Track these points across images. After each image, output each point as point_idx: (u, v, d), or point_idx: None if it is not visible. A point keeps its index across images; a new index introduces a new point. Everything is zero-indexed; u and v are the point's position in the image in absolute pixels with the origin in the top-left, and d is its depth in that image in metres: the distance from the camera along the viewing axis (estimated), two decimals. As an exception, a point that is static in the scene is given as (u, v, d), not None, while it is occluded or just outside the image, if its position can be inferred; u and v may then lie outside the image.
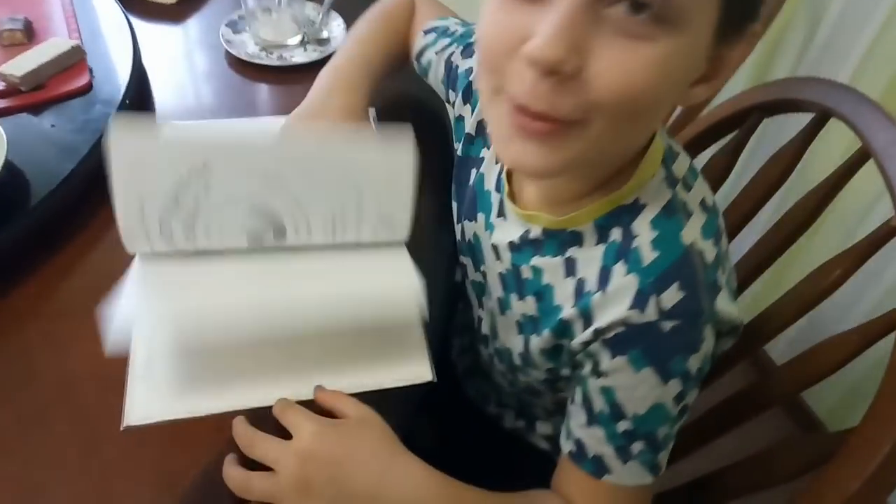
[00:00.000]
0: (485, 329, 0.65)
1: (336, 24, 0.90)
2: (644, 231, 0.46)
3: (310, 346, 0.55)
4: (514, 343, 0.57)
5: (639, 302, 0.44)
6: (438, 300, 0.66)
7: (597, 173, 0.48)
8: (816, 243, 1.26)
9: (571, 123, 0.39)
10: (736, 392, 0.64)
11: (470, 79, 0.63)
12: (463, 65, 0.65)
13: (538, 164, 0.42)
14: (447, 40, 0.68)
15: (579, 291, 0.48)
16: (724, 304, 0.46)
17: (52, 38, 0.73)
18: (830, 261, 0.59)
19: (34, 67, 0.68)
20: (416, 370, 0.54)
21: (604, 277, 0.46)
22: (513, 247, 0.54)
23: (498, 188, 0.57)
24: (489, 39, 0.41)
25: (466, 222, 0.62)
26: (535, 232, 0.52)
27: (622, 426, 0.47)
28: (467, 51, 0.65)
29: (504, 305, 0.57)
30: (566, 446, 0.51)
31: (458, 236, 0.65)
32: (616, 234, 0.47)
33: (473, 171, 0.61)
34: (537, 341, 0.53)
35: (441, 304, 0.68)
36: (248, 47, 0.85)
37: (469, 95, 0.63)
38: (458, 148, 0.64)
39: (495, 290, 0.58)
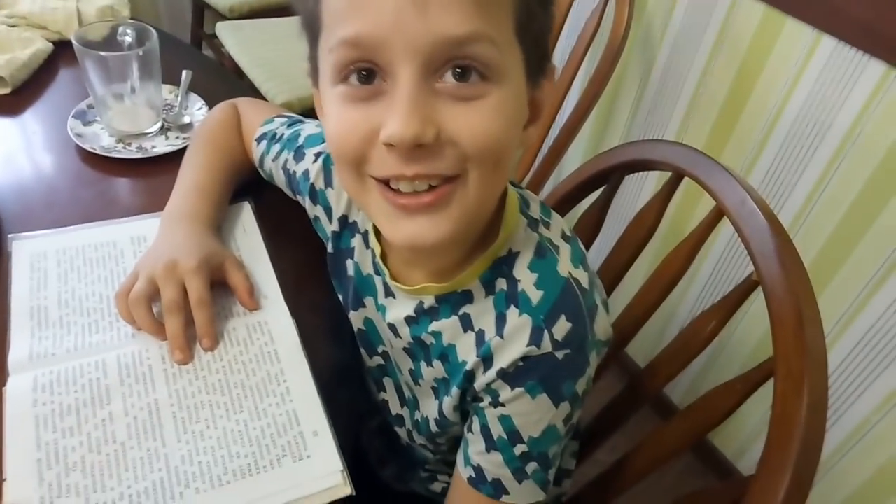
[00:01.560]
0: (395, 408, 0.65)
1: (197, 107, 0.86)
2: (525, 276, 0.50)
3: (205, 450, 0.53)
4: (431, 409, 0.59)
5: (535, 338, 0.48)
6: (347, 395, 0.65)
7: (472, 234, 0.51)
8: (690, 295, 1.38)
9: (452, 180, 0.42)
10: (634, 446, 0.67)
11: (311, 181, 0.63)
12: (298, 169, 0.65)
13: (433, 236, 0.44)
14: (278, 146, 0.69)
15: (480, 341, 0.52)
16: (602, 322, 0.52)
17: None
18: (704, 314, 0.64)
19: None
20: (331, 484, 0.52)
21: (500, 323, 0.50)
22: (410, 320, 0.56)
23: (377, 272, 0.58)
24: (342, 139, 0.43)
25: (353, 312, 0.63)
26: (428, 301, 0.54)
27: (519, 449, 0.51)
28: (298, 154, 0.66)
29: (416, 375, 0.59)
30: (465, 472, 0.55)
31: (353, 324, 0.64)
32: (501, 284, 0.51)
33: (349, 262, 0.62)
34: (448, 400, 0.55)
35: (349, 401, 0.67)
36: (101, 140, 0.79)
37: (315, 196, 0.64)
38: (329, 245, 0.64)
39: (404, 364, 0.60)
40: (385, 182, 0.43)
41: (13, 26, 0.92)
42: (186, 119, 0.84)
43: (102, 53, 0.73)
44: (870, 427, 1.13)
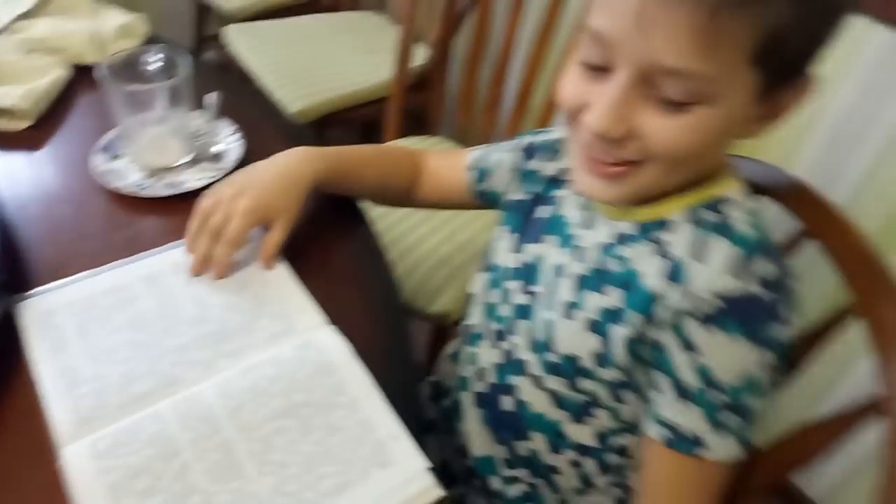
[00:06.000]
0: (523, 353, 0.63)
1: (228, 133, 0.82)
2: (737, 214, 0.51)
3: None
4: (585, 344, 0.57)
5: (740, 271, 0.48)
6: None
7: (678, 183, 0.52)
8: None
9: (631, 163, 0.49)
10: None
11: (555, 140, 0.68)
12: (543, 136, 0.70)
13: (604, 196, 0.53)
14: (505, 143, 0.73)
15: (670, 265, 0.52)
16: (797, 302, 0.51)
17: None
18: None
19: None
20: (423, 484, 0.51)
21: (700, 248, 0.51)
22: (603, 247, 0.57)
23: (583, 207, 0.61)
24: (564, 98, 0.51)
25: (531, 245, 0.65)
26: (627, 227, 0.56)
27: (718, 399, 0.50)
28: (543, 132, 0.71)
29: (575, 307, 0.58)
30: (658, 433, 0.53)
31: (513, 262, 0.66)
32: (709, 216, 0.52)
33: (542, 208, 0.66)
34: (621, 330, 0.54)
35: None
36: (129, 176, 0.75)
37: (553, 153, 0.68)
38: (524, 194, 0.68)
39: (564, 294, 0.59)
40: None
41: (28, 51, 0.88)
42: (218, 148, 0.80)
43: (130, 88, 0.69)
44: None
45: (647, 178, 0.50)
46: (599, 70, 0.47)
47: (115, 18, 0.95)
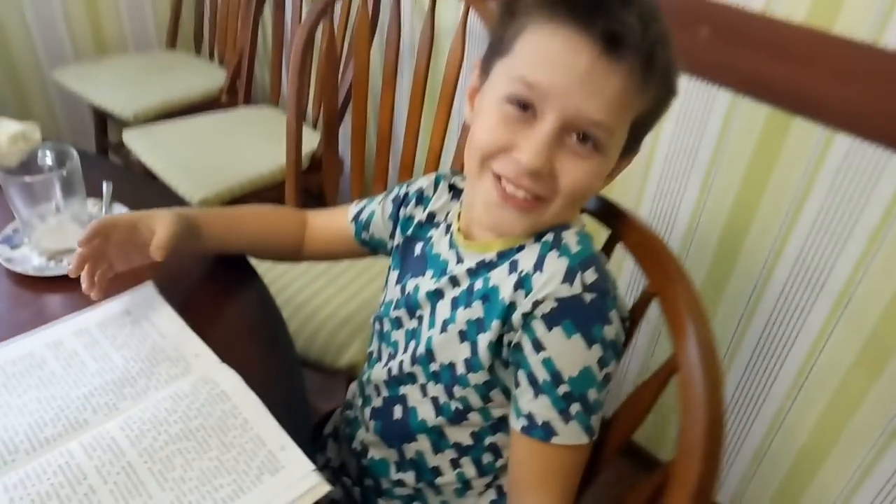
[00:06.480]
0: (407, 367, 0.72)
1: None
2: (570, 236, 0.63)
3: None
4: (459, 352, 0.67)
5: (568, 277, 0.59)
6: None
7: (565, 219, 0.65)
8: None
9: (541, 199, 0.60)
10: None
11: (423, 190, 0.79)
12: (412, 188, 0.81)
13: (514, 227, 0.63)
14: (380, 196, 0.85)
15: (520, 278, 0.62)
16: (621, 299, 0.63)
17: None
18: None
19: None
20: (311, 483, 0.59)
21: (540, 262, 0.62)
22: (470, 272, 0.68)
23: (451, 246, 0.72)
24: (487, 142, 0.61)
25: (411, 279, 0.75)
26: (490, 256, 0.67)
27: (562, 389, 0.59)
28: (410, 184, 0.81)
29: (448, 323, 0.68)
30: (518, 423, 0.62)
31: (398, 294, 0.76)
32: (549, 237, 0.64)
33: (419, 245, 0.77)
34: (485, 337, 0.64)
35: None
36: (32, 261, 0.82)
37: (421, 200, 0.79)
38: (398, 239, 0.80)
39: (441, 314, 0.69)
40: (498, 177, 0.61)
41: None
42: (114, 228, 0.88)
43: (27, 179, 0.77)
44: (785, 412, 1.25)
45: (549, 213, 0.61)
46: (522, 117, 0.58)
47: (10, 127, 1.03)
